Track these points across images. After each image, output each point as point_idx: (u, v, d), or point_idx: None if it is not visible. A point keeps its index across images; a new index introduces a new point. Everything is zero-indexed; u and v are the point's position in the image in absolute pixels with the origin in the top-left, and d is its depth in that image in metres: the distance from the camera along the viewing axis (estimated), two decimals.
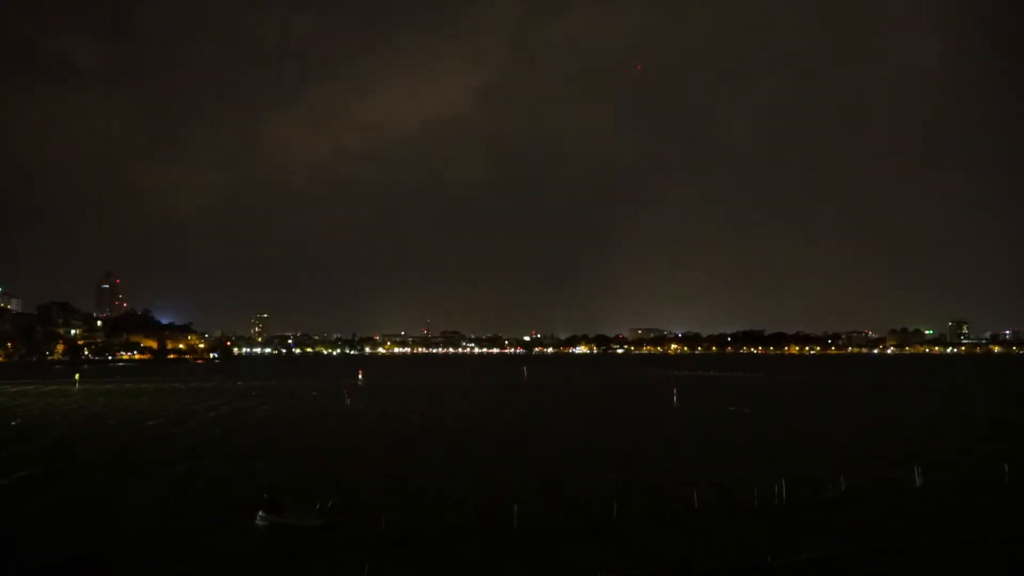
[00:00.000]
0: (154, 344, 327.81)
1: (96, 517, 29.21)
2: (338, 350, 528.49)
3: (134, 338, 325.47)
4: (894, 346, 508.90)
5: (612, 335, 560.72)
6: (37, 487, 35.11)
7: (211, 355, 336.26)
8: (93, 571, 23.04)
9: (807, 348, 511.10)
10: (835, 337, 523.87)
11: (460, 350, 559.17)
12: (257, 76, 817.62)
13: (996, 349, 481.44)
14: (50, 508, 30.76)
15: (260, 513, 27.69)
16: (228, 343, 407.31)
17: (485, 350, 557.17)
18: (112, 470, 39.51)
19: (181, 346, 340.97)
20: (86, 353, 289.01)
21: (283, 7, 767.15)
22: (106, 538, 26.05)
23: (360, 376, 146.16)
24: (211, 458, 43.51)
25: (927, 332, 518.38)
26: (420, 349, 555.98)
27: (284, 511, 27.85)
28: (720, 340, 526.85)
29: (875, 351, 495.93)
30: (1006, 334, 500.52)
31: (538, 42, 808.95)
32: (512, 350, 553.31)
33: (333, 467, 40.38)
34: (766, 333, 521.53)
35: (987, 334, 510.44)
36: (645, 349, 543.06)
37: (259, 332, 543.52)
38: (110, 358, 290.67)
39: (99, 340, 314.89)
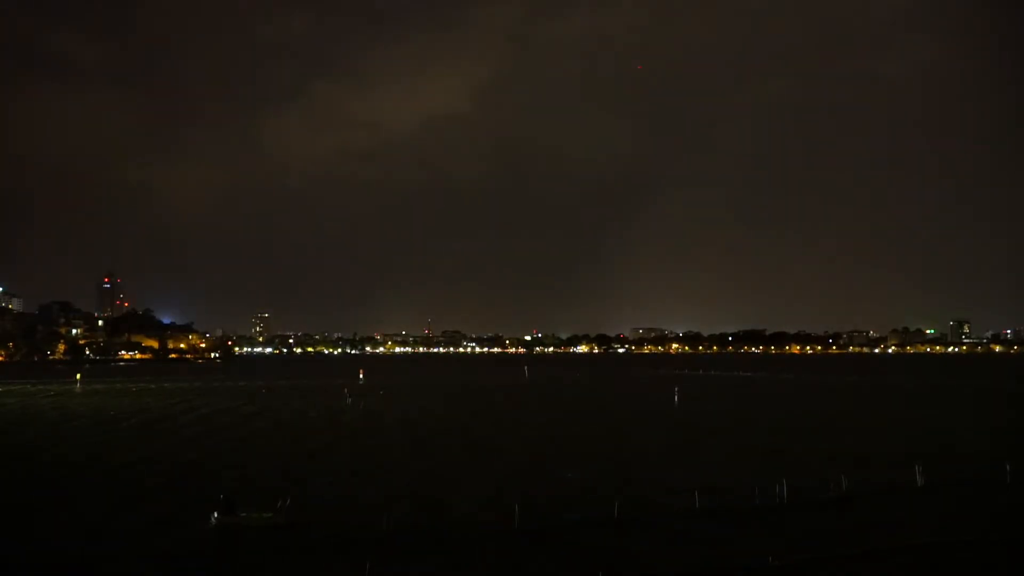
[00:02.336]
0: (155, 344, 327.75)
1: (49, 517, 29.09)
2: (339, 350, 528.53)
3: (135, 338, 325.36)
4: (895, 345, 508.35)
5: (613, 335, 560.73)
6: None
7: (212, 355, 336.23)
8: (45, 572, 22.85)
9: (808, 347, 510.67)
10: (836, 336, 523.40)
11: (461, 350, 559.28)
12: (257, 76, 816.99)
13: (997, 348, 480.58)
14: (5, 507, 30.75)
15: (214, 514, 27.25)
16: (229, 343, 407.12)
17: (486, 350, 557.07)
18: (80, 470, 39.58)
19: (182, 346, 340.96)
20: (87, 353, 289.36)
21: (283, 7, 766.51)
22: (62, 541, 25.70)
23: (361, 376, 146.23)
24: (198, 460, 43.57)
25: (928, 331, 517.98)
26: (421, 349, 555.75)
27: (239, 511, 27.56)
28: (721, 339, 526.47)
29: (876, 350, 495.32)
30: (1007, 333, 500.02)
31: (538, 42, 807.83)
32: (513, 350, 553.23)
33: (333, 466, 40.45)
34: (767, 332, 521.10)
35: (988, 333, 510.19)
36: (646, 348, 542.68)
37: (260, 332, 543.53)
38: (111, 358, 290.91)
39: (100, 340, 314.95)
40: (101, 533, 26.72)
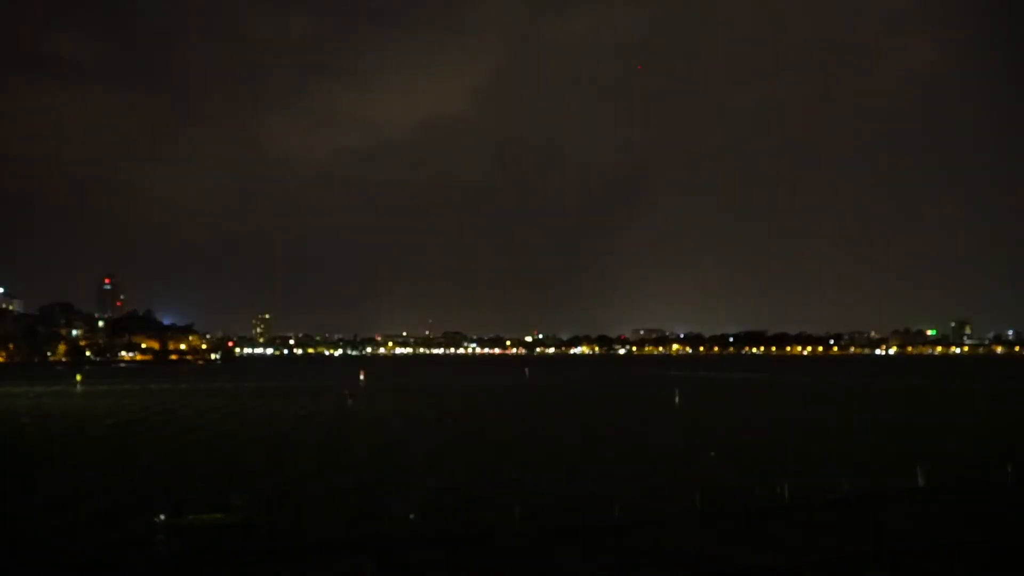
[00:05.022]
0: (156, 345, 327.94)
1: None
2: (340, 350, 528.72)
3: (136, 339, 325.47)
4: (896, 346, 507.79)
5: (614, 335, 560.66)
6: None
7: (213, 356, 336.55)
8: None
9: (809, 348, 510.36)
10: (837, 337, 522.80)
11: (462, 351, 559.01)
12: (257, 76, 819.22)
13: (999, 349, 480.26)
14: None
15: (160, 516, 26.39)
16: (230, 344, 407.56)
17: (487, 350, 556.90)
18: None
19: (183, 347, 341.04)
20: (88, 354, 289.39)
21: (282, 7, 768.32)
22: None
23: (362, 377, 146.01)
24: (160, 463, 43.45)
25: (930, 332, 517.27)
26: (422, 349, 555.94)
27: (187, 512, 26.93)
28: (722, 340, 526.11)
29: (877, 351, 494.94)
30: (1009, 334, 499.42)
31: (538, 42, 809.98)
32: (514, 350, 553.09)
33: (336, 467, 40.30)
34: (768, 333, 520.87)
35: (990, 334, 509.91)
36: (647, 349, 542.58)
37: (261, 332, 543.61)
38: (112, 359, 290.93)
39: (101, 341, 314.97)
40: (25, 540, 25.75)
